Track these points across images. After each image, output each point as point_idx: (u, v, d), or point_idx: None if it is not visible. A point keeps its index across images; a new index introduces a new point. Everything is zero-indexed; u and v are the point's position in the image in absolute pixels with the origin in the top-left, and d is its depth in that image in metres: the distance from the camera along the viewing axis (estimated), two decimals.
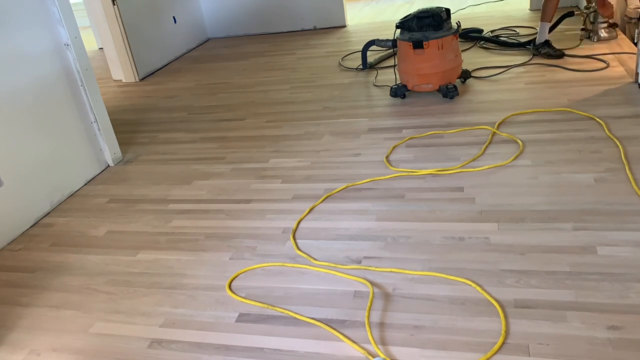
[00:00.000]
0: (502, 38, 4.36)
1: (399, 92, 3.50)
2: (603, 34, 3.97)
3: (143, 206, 2.67)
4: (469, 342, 1.61)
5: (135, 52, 4.82)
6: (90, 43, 6.31)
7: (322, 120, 3.38)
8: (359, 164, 2.76)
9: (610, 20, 3.96)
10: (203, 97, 4.18)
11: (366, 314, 1.77)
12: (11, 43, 2.60)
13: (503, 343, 1.58)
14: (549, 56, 3.77)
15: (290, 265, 2.07)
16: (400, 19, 3.43)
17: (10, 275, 2.27)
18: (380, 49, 4.53)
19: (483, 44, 4.33)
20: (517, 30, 4.60)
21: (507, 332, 1.62)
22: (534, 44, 3.91)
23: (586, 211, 2.12)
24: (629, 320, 1.60)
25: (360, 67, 4.25)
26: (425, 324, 1.70)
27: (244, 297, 1.93)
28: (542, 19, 3.82)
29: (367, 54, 4.19)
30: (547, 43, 3.82)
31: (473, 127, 2.97)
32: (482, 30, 4.58)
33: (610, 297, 1.69)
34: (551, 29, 3.94)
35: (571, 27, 4.38)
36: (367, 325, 1.72)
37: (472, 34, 4.46)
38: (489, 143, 2.77)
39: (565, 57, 3.76)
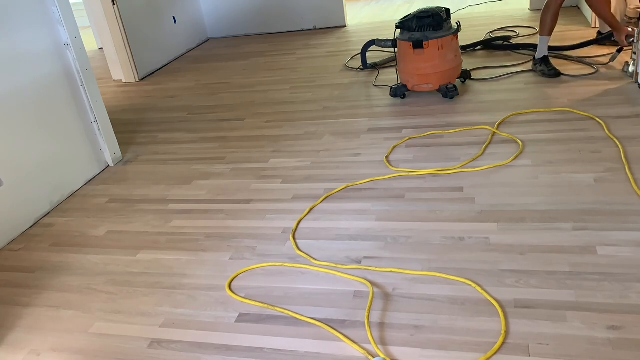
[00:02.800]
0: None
1: (399, 92, 3.50)
2: None
3: (143, 206, 2.67)
4: (469, 342, 1.61)
5: (135, 52, 4.82)
6: (90, 43, 6.30)
7: (322, 120, 3.38)
8: (358, 164, 2.76)
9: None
10: (203, 97, 4.18)
11: (366, 314, 1.77)
12: (11, 43, 2.60)
13: (503, 343, 1.59)
14: (543, 74, 3.54)
15: (290, 265, 2.07)
16: (400, 19, 3.43)
17: (10, 275, 2.27)
18: (385, 49, 4.52)
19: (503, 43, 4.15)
20: (517, 31, 4.60)
21: (507, 332, 1.62)
22: (534, 59, 3.68)
23: (586, 211, 2.12)
24: (629, 320, 1.60)
25: (361, 67, 4.25)
26: (425, 324, 1.70)
27: (244, 297, 1.93)
28: (541, 33, 3.55)
29: (371, 55, 4.17)
30: (544, 60, 3.56)
31: (473, 127, 2.97)
32: (510, 37, 4.33)
33: (610, 297, 1.69)
34: (582, 45, 3.73)
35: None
36: (367, 325, 1.72)
37: (497, 42, 4.22)
38: (489, 143, 2.77)
39: (561, 75, 3.49)
